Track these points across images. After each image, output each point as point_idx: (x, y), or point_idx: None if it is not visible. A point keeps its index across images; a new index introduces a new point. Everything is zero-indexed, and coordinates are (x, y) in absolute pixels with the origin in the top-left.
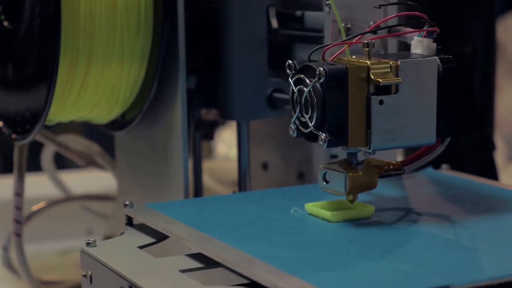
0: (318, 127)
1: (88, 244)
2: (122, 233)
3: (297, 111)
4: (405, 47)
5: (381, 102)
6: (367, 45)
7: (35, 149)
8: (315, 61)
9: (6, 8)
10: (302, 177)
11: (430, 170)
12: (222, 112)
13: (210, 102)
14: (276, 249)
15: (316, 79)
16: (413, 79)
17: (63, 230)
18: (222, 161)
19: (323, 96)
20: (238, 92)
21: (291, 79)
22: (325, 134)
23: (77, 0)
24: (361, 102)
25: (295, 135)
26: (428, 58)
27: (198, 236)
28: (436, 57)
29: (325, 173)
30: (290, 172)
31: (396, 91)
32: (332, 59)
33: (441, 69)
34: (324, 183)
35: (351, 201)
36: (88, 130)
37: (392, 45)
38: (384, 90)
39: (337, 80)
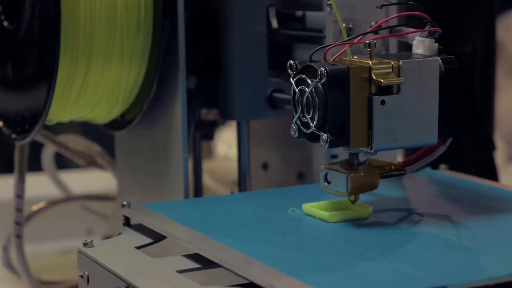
0: (319, 127)
1: (85, 244)
2: (119, 234)
3: (299, 111)
4: (406, 47)
5: (382, 102)
6: (369, 45)
7: (35, 149)
8: (316, 61)
9: (6, 8)
10: (302, 177)
11: (429, 170)
12: (222, 112)
13: (210, 102)
14: (273, 249)
15: (317, 79)
16: (415, 79)
17: (63, 230)
18: (222, 161)
19: (325, 96)
20: (238, 92)
21: (293, 79)
22: (326, 134)
23: (77, 0)
24: (363, 103)
25: (296, 135)
26: (430, 58)
27: (195, 236)
28: (438, 58)
29: (326, 174)
30: (290, 172)
31: (398, 91)
32: (334, 59)
33: (443, 69)
34: (326, 184)
35: (353, 202)
36: (88, 130)
37: (393, 45)
38: (386, 90)
39: (339, 80)
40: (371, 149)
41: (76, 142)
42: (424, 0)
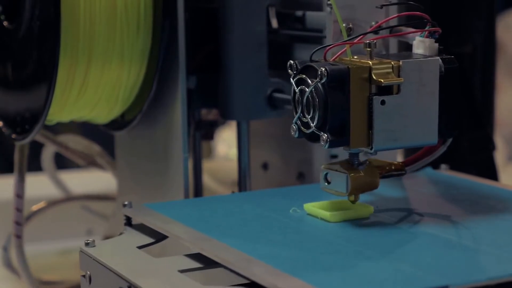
0: (319, 127)
1: (87, 244)
2: (121, 233)
3: (299, 111)
4: (406, 47)
5: (383, 102)
6: (369, 45)
7: (35, 149)
8: (316, 61)
9: (6, 8)
10: (302, 177)
11: (429, 170)
12: (222, 112)
13: (210, 102)
14: (275, 249)
15: (318, 79)
16: (415, 79)
17: (63, 230)
18: (222, 161)
19: (325, 96)
20: (238, 92)
21: (293, 80)
22: (326, 134)
23: (77, 0)
24: (363, 103)
25: (296, 135)
26: (430, 58)
27: (197, 236)
28: (438, 58)
29: (326, 174)
30: (290, 172)
31: (398, 91)
32: (334, 59)
33: (443, 69)
34: (326, 184)
35: (353, 202)
36: (88, 130)
37: (393, 45)
38: (386, 90)
39: (339, 80)
40: (371, 149)
41: (76, 142)
42: (424, 0)
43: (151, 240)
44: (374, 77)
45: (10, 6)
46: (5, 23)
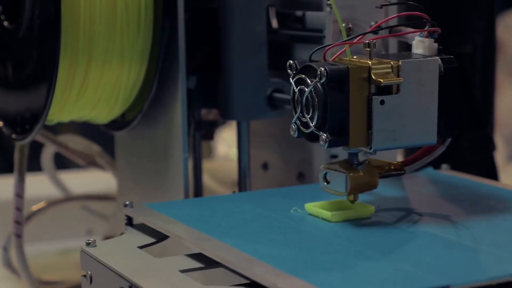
0: (319, 127)
1: (88, 244)
2: (122, 233)
3: (298, 111)
4: (405, 47)
5: (382, 102)
6: (368, 45)
7: (35, 149)
8: (316, 61)
9: (6, 8)
10: (302, 177)
11: (430, 170)
12: (222, 112)
13: (210, 102)
14: (275, 249)
15: (317, 79)
16: (414, 79)
17: (63, 230)
18: (222, 161)
19: (324, 96)
20: (238, 92)
21: (292, 79)
22: (326, 134)
23: (77, 0)
24: (362, 102)
25: (296, 135)
26: (429, 58)
27: (198, 236)
28: (437, 57)
29: (326, 173)
30: (290, 172)
31: (397, 91)
32: (333, 59)
33: (442, 69)
34: (325, 183)
35: (352, 202)
36: (88, 130)
37: (393, 45)
38: (385, 90)
39: (338, 80)
40: (370, 149)
41: (76, 142)
42: (424, 0)
43: (152, 240)
44: (373, 77)
45: (10, 6)
46: (5, 23)
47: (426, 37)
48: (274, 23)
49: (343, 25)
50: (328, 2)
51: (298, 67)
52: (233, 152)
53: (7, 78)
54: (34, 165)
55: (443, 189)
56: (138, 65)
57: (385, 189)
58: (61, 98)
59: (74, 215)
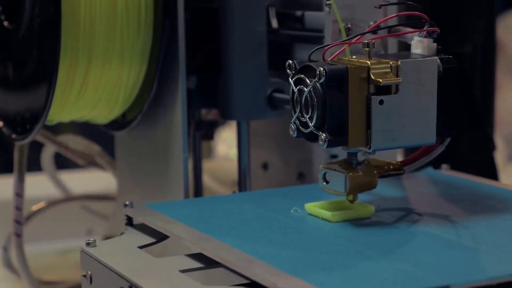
0: (318, 127)
1: (88, 244)
2: (122, 233)
3: (297, 111)
4: (405, 47)
5: (381, 102)
6: (367, 45)
7: (35, 149)
8: (315, 61)
9: (6, 8)
10: (302, 177)
11: (430, 170)
12: (222, 112)
13: (210, 102)
14: (275, 249)
15: (316, 79)
16: (413, 79)
17: (63, 230)
18: (222, 161)
19: (323, 96)
20: (238, 92)
21: (291, 79)
22: (325, 134)
23: (77, 0)
24: (361, 102)
25: (295, 135)
26: (428, 58)
27: (198, 236)
28: (436, 57)
29: (325, 173)
30: (290, 172)
31: (396, 91)
32: (332, 59)
33: (441, 69)
34: (324, 183)
35: (351, 201)
36: (88, 130)
37: (392, 45)
38: (384, 90)
39: (337, 80)
40: (369, 148)
41: (76, 142)
42: (424, 0)
43: (152, 240)
44: (372, 77)
45: (10, 6)
46: (5, 23)
47: (425, 37)
48: (274, 23)
49: (343, 25)
50: (328, 2)
51: (297, 67)
52: (233, 152)
53: (7, 78)
54: (34, 165)
55: (443, 189)
56: (138, 65)
57: (385, 189)
58: (61, 98)
59: (74, 215)
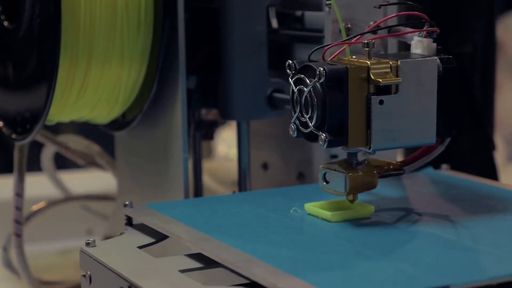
0: (318, 127)
1: (87, 244)
2: (121, 233)
3: (297, 111)
4: (405, 47)
5: (381, 102)
6: (367, 45)
7: (35, 149)
8: (315, 61)
9: (6, 8)
10: (302, 177)
11: (430, 170)
12: (222, 112)
13: (210, 102)
14: (275, 249)
15: (316, 79)
16: (413, 79)
17: (63, 230)
18: (222, 161)
19: (323, 96)
20: (238, 92)
21: (291, 79)
22: (325, 134)
23: (77, 0)
24: (361, 102)
25: (295, 135)
26: (428, 58)
27: (197, 236)
28: (436, 57)
29: (325, 173)
30: (290, 172)
31: (396, 91)
32: (332, 59)
33: (441, 69)
34: (324, 183)
35: (351, 201)
36: (88, 130)
37: (392, 45)
38: (384, 90)
39: (337, 80)
40: (369, 148)
41: (76, 142)
42: (424, 0)
43: (151, 240)
44: (372, 77)
45: (10, 6)
46: (5, 23)
47: (425, 37)
48: (274, 23)
49: (343, 24)
50: (328, 2)
51: (297, 67)
52: (233, 152)
53: (7, 78)
54: (34, 165)
55: (443, 189)
56: (138, 65)
57: (385, 189)
58: (61, 98)
59: (74, 215)
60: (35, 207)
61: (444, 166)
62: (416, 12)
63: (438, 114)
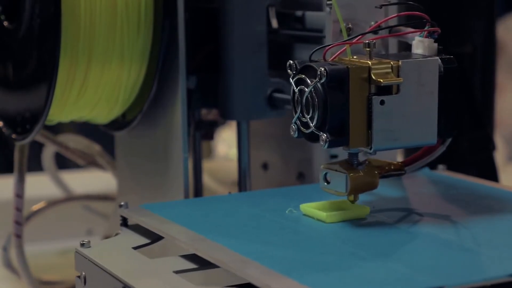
0: (319, 127)
1: (82, 245)
2: (116, 234)
3: (298, 111)
4: (406, 47)
5: (382, 102)
6: (368, 45)
7: (36, 149)
8: (316, 61)
9: (6, 8)
10: (302, 177)
11: (426, 170)
12: (222, 112)
13: (210, 102)
14: (270, 249)
15: (317, 79)
16: (414, 79)
17: (63, 230)
18: (222, 161)
19: (324, 96)
20: (238, 92)
21: (292, 79)
22: (326, 134)
23: (77, 0)
24: (362, 102)
25: (296, 135)
26: (429, 58)
27: (192, 236)
28: (437, 58)
29: (326, 174)
30: (290, 172)
31: (397, 91)
32: (333, 59)
33: (442, 69)
34: (325, 184)
35: (352, 202)
36: (88, 130)
37: (393, 45)
38: (385, 90)
39: (338, 80)
40: (370, 149)
41: (76, 142)
42: (424, 0)
43: (146, 240)
44: (373, 77)
45: (10, 6)
46: (5, 23)
47: (426, 37)
48: (274, 23)
49: (344, 24)
50: (328, 2)
51: (298, 67)
52: (233, 152)
53: (7, 78)
54: (35, 165)
55: (441, 189)
56: (138, 65)
57: (383, 189)
58: (61, 98)
59: (75, 215)
60: (35, 207)
61: (440, 166)
62: (417, 12)
63: (439, 114)
